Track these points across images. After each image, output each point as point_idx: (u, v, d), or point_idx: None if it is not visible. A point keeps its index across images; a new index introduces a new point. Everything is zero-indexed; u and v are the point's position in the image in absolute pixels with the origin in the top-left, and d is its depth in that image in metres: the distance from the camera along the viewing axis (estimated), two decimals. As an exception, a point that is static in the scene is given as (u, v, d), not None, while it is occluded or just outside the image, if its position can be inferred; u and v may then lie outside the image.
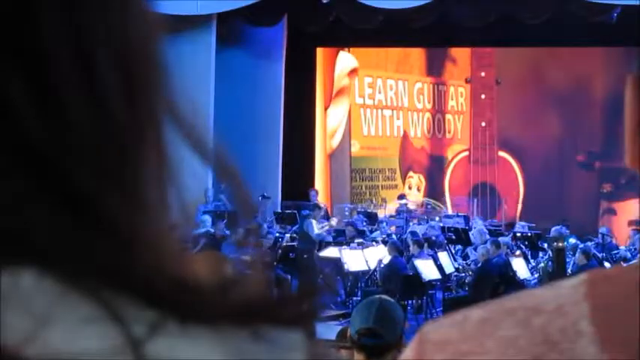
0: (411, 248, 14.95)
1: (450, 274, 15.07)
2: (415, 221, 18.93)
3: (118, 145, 0.52)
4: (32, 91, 0.50)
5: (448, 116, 23.75)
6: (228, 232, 14.90)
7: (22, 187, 0.49)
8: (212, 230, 15.00)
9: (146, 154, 0.53)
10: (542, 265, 15.07)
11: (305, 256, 15.58)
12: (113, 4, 0.53)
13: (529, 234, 16.94)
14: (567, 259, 14.32)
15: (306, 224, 15.97)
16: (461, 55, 23.49)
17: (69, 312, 0.49)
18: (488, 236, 15.81)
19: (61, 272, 0.49)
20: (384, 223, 18.82)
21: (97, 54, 0.51)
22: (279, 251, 15.53)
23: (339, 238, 16.57)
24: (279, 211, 18.90)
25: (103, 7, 0.52)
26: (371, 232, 17.68)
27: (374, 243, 16.18)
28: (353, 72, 23.28)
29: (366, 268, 15.05)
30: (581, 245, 15.11)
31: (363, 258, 15.08)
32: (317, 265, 15.56)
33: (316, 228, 16.02)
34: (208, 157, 0.55)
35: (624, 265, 0.76)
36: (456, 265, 15.48)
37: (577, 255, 14.31)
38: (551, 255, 14.46)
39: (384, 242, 15.95)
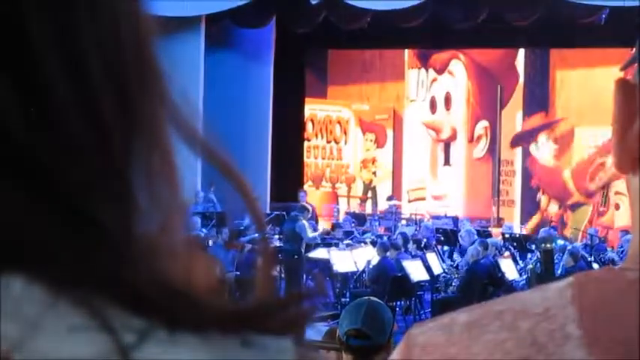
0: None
1: (439, 275, 15.04)
2: (404, 222, 18.91)
3: (109, 148, 0.51)
4: (20, 93, 0.49)
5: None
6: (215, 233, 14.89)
7: (11, 193, 0.49)
8: (201, 233, 14.96)
9: (138, 156, 0.53)
10: (530, 266, 15.05)
11: (295, 257, 15.51)
12: (103, 4, 0.52)
13: (517, 235, 16.93)
14: (556, 261, 14.31)
15: (298, 226, 15.86)
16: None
17: (58, 320, 0.49)
18: (476, 237, 15.79)
19: (52, 279, 0.49)
20: (377, 223, 18.80)
21: (87, 55, 0.51)
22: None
23: (328, 239, 16.54)
24: (268, 212, 18.87)
25: (93, 7, 0.52)
26: (361, 233, 17.65)
27: (362, 244, 16.14)
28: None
29: (355, 270, 15.00)
30: (570, 247, 15.10)
31: (352, 259, 15.01)
32: (306, 266, 15.50)
33: (309, 231, 15.92)
34: (203, 157, 0.55)
35: (612, 267, 0.76)
36: (444, 267, 15.45)
37: (565, 256, 14.30)
38: (539, 256, 14.45)
39: (373, 243, 15.91)
